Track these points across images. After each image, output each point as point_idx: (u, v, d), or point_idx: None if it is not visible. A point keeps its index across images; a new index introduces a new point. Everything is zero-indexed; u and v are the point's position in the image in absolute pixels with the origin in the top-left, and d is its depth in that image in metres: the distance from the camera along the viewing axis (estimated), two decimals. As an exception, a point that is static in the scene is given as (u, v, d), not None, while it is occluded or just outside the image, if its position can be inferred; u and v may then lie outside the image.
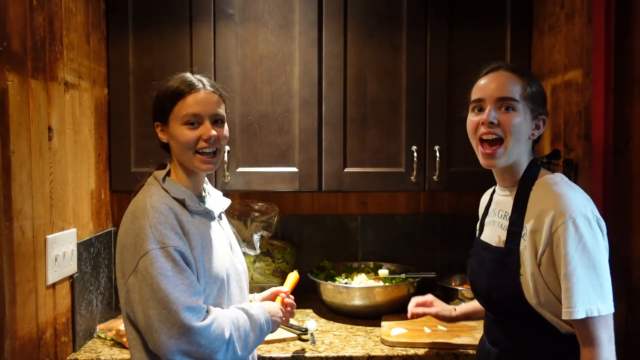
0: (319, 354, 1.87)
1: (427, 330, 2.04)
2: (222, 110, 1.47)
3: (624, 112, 1.65)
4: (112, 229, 2.24)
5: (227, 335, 1.34)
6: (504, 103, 1.39)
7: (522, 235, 1.36)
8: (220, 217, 1.58)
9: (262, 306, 1.52)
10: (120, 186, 2.21)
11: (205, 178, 1.57)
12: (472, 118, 1.45)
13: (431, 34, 2.18)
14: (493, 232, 1.49)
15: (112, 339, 1.99)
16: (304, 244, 2.60)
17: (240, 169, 2.19)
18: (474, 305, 1.79)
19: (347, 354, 1.87)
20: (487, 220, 1.57)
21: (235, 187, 2.19)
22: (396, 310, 2.22)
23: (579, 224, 1.26)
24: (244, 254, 2.16)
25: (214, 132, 1.42)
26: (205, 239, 1.44)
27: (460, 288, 2.30)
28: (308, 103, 2.17)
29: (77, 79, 1.94)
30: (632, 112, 1.61)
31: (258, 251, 2.34)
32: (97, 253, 2.09)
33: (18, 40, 1.57)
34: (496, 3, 2.20)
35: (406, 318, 2.15)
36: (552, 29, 2.04)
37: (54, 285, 1.77)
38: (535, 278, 1.32)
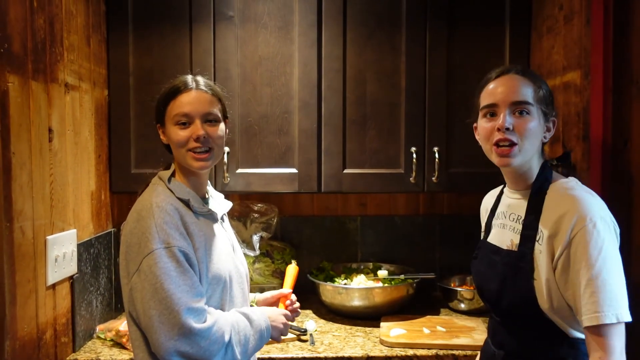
0: (318, 355, 1.88)
1: (426, 331, 2.04)
2: (215, 110, 1.46)
3: (622, 112, 1.65)
4: (112, 230, 2.25)
5: (226, 338, 1.34)
6: (519, 107, 1.36)
7: (537, 239, 1.34)
8: (222, 219, 1.58)
9: (264, 312, 1.51)
10: (120, 187, 2.22)
11: (208, 180, 1.57)
12: (484, 124, 1.41)
13: (430, 35, 2.19)
14: (504, 235, 1.47)
15: (111, 340, 2.00)
16: (304, 245, 2.61)
17: (239, 170, 2.19)
18: None
19: (346, 355, 1.87)
20: (494, 222, 1.55)
21: (235, 188, 2.19)
22: (395, 311, 2.23)
23: (600, 229, 1.24)
24: (244, 254, 2.17)
25: (202, 131, 1.41)
26: (209, 240, 1.44)
27: (459, 289, 2.31)
28: (307, 104, 2.18)
29: (77, 81, 1.95)
30: (630, 113, 1.62)
31: (257, 252, 2.34)
32: (97, 254, 2.09)
33: (19, 42, 1.58)
34: (495, 5, 2.20)
35: (406, 318, 2.16)
36: (551, 30, 2.05)
37: (54, 285, 1.77)
38: (550, 283, 1.30)
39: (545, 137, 1.42)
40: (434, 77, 2.19)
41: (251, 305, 1.67)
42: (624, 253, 1.57)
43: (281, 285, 2.32)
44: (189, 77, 1.47)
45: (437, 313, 2.30)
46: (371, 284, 2.28)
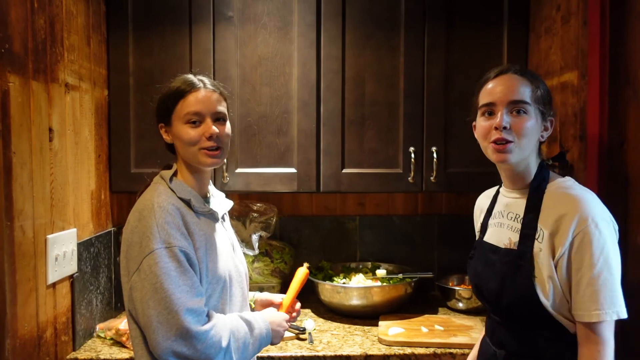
0: (317, 353, 1.89)
1: (424, 329, 2.06)
2: (223, 108, 1.48)
3: (618, 113, 1.66)
4: (112, 229, 2.26)
5: (224, 343, 1.34)
6: (516, 106, 1.38)
7: (537, 237, 1.36)
8: (223, 218, 1.59)
9: (265, 318, 1.51)
10: (120, 187, 2.23)
11: (210, 180, 1.58)
12: (482, 123, 1.43)
13: (429, 36, 2.20)
14: (502, 234, 1.48)
15: (111, 338, 2.01)
16: (303, 244, 2.62)
17: (239, 170, 2.20)
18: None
19: (344, 353, 1.89)
20: (491, 222, 1.56)
21: (234, 187, 2.21)
22: (394, 310, 2.24)
23: (601, 228, 1.27)
24: (243, 254, 2.18)
25: (215, 129, 1.43)
26: (210, 239, 1.45)
27: (457, 288, 2.32)
28: (307, 104, 2.19)
29: (77, 81, 1.96)
30: (626, 114, 1.63)
31: (257, 251, 2.36)
32: (97, 253, 2.10)
33: (19, 43, 1.59)
34: (493, 6, 2.22)
35: (404, 317, 2.17)
36: (549, 31, 2.06)
37: (54, 284, 1.78)
38: (552, 281, 1.32)
39: (542, 137, 1.43)
40: (432, 78, 2.20)
41: (250, 304, 1.69)
42: (620, 252, 1.58)
43: (280, 285, 2.35)
44: (193, 77, 1.48)
45: (436, 312, 2.31)
46: (370, 283, 2.29)
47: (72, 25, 1.92)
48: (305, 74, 2.19)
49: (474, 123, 1.50)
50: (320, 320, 2.24)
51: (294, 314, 1.68)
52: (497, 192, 1.58)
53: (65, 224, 1.87)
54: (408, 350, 1.91)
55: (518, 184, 1.46)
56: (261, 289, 2.25)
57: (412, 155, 2.19)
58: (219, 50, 2.18)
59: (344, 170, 2.22)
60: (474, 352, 1.68)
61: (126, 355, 1.88)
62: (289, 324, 1.60)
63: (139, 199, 1.44)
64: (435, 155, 2.19)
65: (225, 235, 1.54)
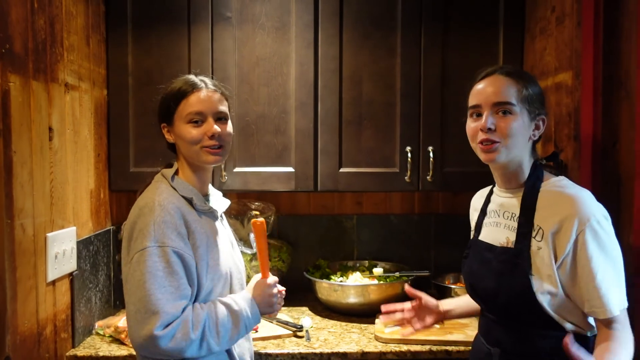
0: (314, 350, 1.91)
1: (420, 327, 2.07)
2: (224, 108, 1.51)
3: (611, 114, 1.68)
4: (111, 227, 2.28)
5: (193, 336, 1.34)
6: (501, 108, 1.39)
7: (534, 236, 1.38)
8: (221, 216, 1.61)
9: (245, 295, 1.48)
10: (119, 186, 2.25)
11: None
12: (470, 124, 1.46)
13: (425, 36, 2.22)
14: (498, 233, 1.49)
15: (110, 336, 2.02)
16: (300, 243, 2.64)
17: (237, 169, 2.22)
18: (458, 304, 1.78)
19: (341, 350, 1.91)
20: (486, 221, 1.57)
21: (233, 186, 2.23)
22: (390, 308, 2.26)
23: (603, 225, 1.31)
24: (241, 252, 2.20)
25: (217, 128, 1.46)
26: (211, 237, 1.47)
27: (453, 286, 2.34)
28: (304, 104, 2.21)
29: (77, 80, 1.98)
30: (619, 114, 1.65)
31: (254, 250, 2.37)
32: (96, 251, 2.12)
33: (20, 43, 1.61)
34: (489, 7, 2.24)
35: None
36: (544, 32, 2.08)
37: (54, 282, 1.80)
38: (551, 279, 1.34)
39: (534, 135, 1.44)
40: (428, 78, 2.22)
41: None
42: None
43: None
44: (195, 77, 1.50)
45: (432, 310, 2.33)
46: (366, 281, 2.31)
47: (71, 25, 1.94)
48: (302, 74, 2.21)
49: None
50: (318, 318, 2.26)
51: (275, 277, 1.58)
52: (491, 192, 1.60)
53: (65, 222, 1.88)
54: (404, 348, 1.93)
55: (512, 183, 1.47)
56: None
57: (409, 155, 2.21)
58: (217, 51, 2.20)
59: (341, 170, 2.24)
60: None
61: (125, 352, 1.90)
62: (279, 289, 1.55)
63: (142, 195, 1.46)
64: (431, 154, 2.21)
65: (224, 233, 1.57)
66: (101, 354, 1.90)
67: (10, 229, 1.55)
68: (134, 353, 1.68)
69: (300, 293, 2.48)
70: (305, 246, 2.64)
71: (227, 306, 1.43)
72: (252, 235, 2.38)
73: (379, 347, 1.94)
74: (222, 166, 2.19)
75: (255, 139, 2.23)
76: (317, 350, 1.91)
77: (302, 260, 2.60)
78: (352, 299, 2.22)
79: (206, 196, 1.56)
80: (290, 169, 2.23)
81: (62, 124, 1.87)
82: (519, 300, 1.38)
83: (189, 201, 1.47)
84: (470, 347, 1.67)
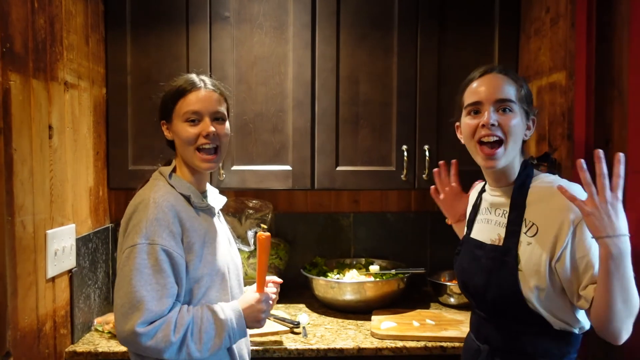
0: (311, 346, 1.93)
1: (415, 324, 2.10)
2: (222, 109, 1.53)
3: (604, 113, 1.71)
4: (110, 225, 2.30)
5: (174, 338, 1.35)
6: (502, 105, 1.41)
7: (524, 232, 1.39)
8: (218, 213, 1.63)
9: (235, 305, 1.47)
10: (117, 184, 2.26)
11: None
12: (468, 121, 1.46)
13: (422, 37, 2.24)
14: (489, 230, 1.51)
15: (109, 332, 2.04)
16: (298, 240, 2.66)
17: (235, 167, 2.25)
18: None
19: (337, 346, 1.93)
20: (478, 218, 1.59)
21: (230, 184, 2.25)
22: (386, 305, 2.28)
23: None
24: (239, 250, 2.23)
25: (212, 128, 1.47)
26: (208, 234, 1.49)
27: (449, 284, 2.36)
28: (301, 103, 2.23)
29: (76, 79, 2.00)
30: (612, 114, 1.67)
31: (252, 247, 2.39)
32: (95, 249, 2.14)
33: (20, 42, 1.63)
34: (485, 7, 2.26)
35: (396, 312, 2.22)
36: (538, 32, 2.11)
37: (53, 279, 1.82)
38: (540, 275, 1.34)
39: (526, 135, 1.47)
40: (424, 78, 2.25)
41: None
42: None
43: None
44: (196, 76, 1.52)
45: (427, 307, 2.36)
46: (363, 278, 2.33)
47: (71, 24, 1.95)
48: (300, 74, 2.23)
49: (457, 124, 1.54)
50: (315, 314, 2.28)
51: (273, 289, 1.61)
52: (483, 189, 1.62)
53: (64, 219, 1.90)
54: (400, 344, 1.95)
55: (502, 182, 1.49)
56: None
57: (405, 154, 2.23)
58: (215, 50, 2.22)
59: (338, 168, 2.26)
60: None
61: (124, 349, 1.92)
62: (271, 298, 1.55)
63: (139, 192, 1.49)
64: (427, 153, 2.23)
65: (222, 229, 1.59)
66: (100, 349, 1.92)
67: (11, 225, 1.57)
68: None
69: (297, 290, 2.50)
70: (303, 244, 2.66)
71: (214, 314, 1.42)
72: (249, 233, 2.41)
73: (375, 343, 1.96)
74: (220, 164, 2.20)
75: (253, 137, 2.25)
76: (314, 346, 1.93)
77: (299, 257, 2.63)
78: (349, 296, 2.25)
79: (203, 193, 1.58)
80: (288, 168, 2.25)
81: (62, 122, 1.89)
82: (506, 298, 1.40)
83: (187, 198, 1.48)
84: (465, 343, 1.69)
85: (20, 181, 1.62)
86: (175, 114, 1.49)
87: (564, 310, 1.37)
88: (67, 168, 1.93)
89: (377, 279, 2.30)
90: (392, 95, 2.26)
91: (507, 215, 1.46)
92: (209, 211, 1.55)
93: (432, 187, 1.90)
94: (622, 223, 1.24)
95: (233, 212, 2.50)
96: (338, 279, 2.35)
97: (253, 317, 1.49)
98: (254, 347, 1.91)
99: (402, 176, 2.24)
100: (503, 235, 1.45)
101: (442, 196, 1.87)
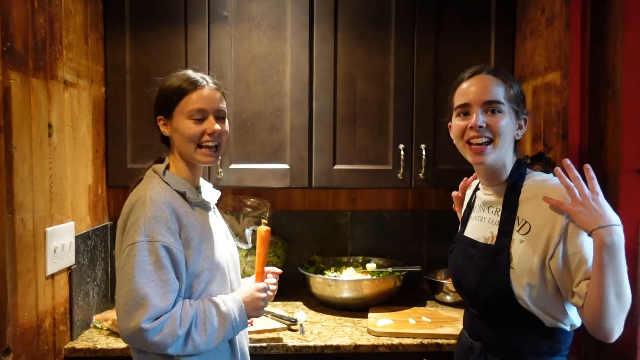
0: (308, 343, 1.95)
1: (411, 321, 2.12)
2: (224, 107, 1.55)
3: (598, 113, 1.73)
4: (109, 223, 2.31)
5: (181, 331, 1.37)
6: (491, 106, 1.42)
7: (517, 229, 1.40)
8: (214, 207, 1.65)
9: (235, 297, 1.51)
10: (116, 182, 2.28)
11: None
12: (458, 123, 1.48)
13: (418, 36, 2.26)
14: (483, 229, 1.53)
15: (108, 329, 2.06)
16: (295, 239, 2.68)
17: (233, 166, 2.26)
18: None
19: (334, 343, 1.95)
20: (472, 215, 1.61)
21: (228, 183, 2.26)
22: (383, 302, 2.30)
23: None
24: (237, 248, 2.24)
25: (218, 127, 1.50)
26: (205, 229, 1.51)
27: (445, 282, 2.38)
28: (299, 102, 2.25)
29: (75, 78, 2.01)
30: (606, 114, 1.69)
31: (250, 245, 2.41)
32: (94, 246, 2.16)
33: (20, 41, 1.64)
34: (481, 8, 2.28)
35: (393, 310, 2.24)
36: (534, 32, 2.13)
37: (52, 276, 1.84)
38: (532, 273, 1.36)
39: (517, 135, 1.48)
40: (421, 77, 2.26)
41: None
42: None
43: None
44: (197, 75, 1.53)
45: (424, 305, 2.38)
46: (360, 276, 2.35)
47: (70, 23, 1.97)
48: (298, 73, 2.24)
49: (449, 123, 1.55)
50: (312, 312, 2.30)
51: (273, 280, 1.66)
52: (477, 188, 1.63)
53: (64, 217, 1.92)
54: (396, 341, 1.97)
55: (494, 181, 1.50)
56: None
57: (402, 152, 2.25)
58: (214, 49, 2.24)
59: (336, 167, 2.28)
60: None
61: (122, 345, 1.93)
62: (271, 288, 1.60)
63: (134, 190, 1.50)
64: (424, 152, 2.25)
65: (218, 223, 1.61)
66: (99, 346, 1.93)
67: (11, 223, 1.59)
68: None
69: (294, 288, 2.52)
70: (300, 242, 2.68)
71: (216, 306, 1.46)
72: (247, 231, 2.42)
73: (371, 340, 1.98)
74: (218, 163, 2.22)
75: (251, 136, 2.27)
76: (311, 343, 1.95)
77: (296, 255, 2.64)
78: (346, 293, 2.27)
79: (197, 189, 1.60)
80: (286, 166, 2.27)
81: (61, 120, 1.90)
82: (498, 296, 1.41)
83: (182, 195, 1.50)
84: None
85: (20, 179, 1.63)
86: (178, 111, 1.49)
87: (555, 308, 1.39)
88: (66, 166, 1.94)
89: (374, 277, 2.32)
90: (389, 95, 2.28)
91: (499, 213, 1.47)
92: (204, 206, 1.56)
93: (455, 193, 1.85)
94: (611, 214, 1.28)
95: (231, 211, 2.52)
96: (335, 276, 2.37)
97: (253, 306, 1.53)
98: (252, 344, 1.93)
99: (399, 175, 2.26)
100: (496, 233, 1.46)
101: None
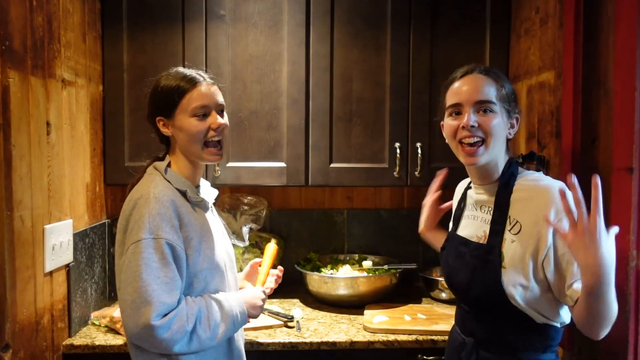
0: (304, 340, 1.97)
1: (407, 318, 2.14)
2: (222, 100, 1.56)
3: (591, 112, 1.75)
4: (106, 221, 2.32)
5: (189, 327, 1.39)
6: (482, 106, 1.43)
7: (509, 229, 1.41)
8: (211, 206, 1.66)
9: (239, 298, 1.55)
10: (114, 180, 2.29)
11: None
12: (450, 122, 1.48)
13: (414, 36, 2.28)
14: (475, 228, 1.54)
15: (106, 326, 2.07)
16: (292, 236, 2.70)
17: (230, 164, 2.28)
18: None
19: (330, 340, 1.97)
20: (464, 214, 1.62)
21: (226, 181, 2.28)
22: (379, 299, 2.32)
23: None
24: (234, 245, 2.26)
25: (222, 121, 1.52)
26: (204, 229, 1.52)
27: (440, 279, 2.40)
28: (296, 101, 2.27)
29: (73, 76, 2.02)
30: (598, 113, 1.71)
31: (247, 243, 2.43)
32: (92, 244, 2.17)
33: (19, 40, 1.65)
34: (477, 7, 2.30)
35: (389, 307, 2.26)
36: (528, 32, 2.15)
37: (51, 273, 1.85)
38: (524, 272, 1.37)
39: (509, 134, 1.49)
40: (417, 76, 2.28)
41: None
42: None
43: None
44: (191, 71, 1.54)
45: (419, 302, 2.40)
46: (356, 273, 2.37)
47: (68, 22, 1.98)
48: (294, 72, 2.26)
49: (441, 123, 1.56)
50: (308, 309, 2.32)
51: (272, 284, 1.78)
52: (469, 187, 1.64)
53: (62, 214, 1.93)
54: (391, 337, 1.99)
55: (486, 180, 1.51)
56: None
57: (398, 151, 2.27)
58: (211, 48, 2.25)
59: (332, 165, 2.30)
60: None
61: (120, 342, 1.95)
62: (267, 291, 1.70)
63: (136, 188, 1.50)
64: (419, 150, 2.27)
65: (215, 222, 1.62)
66: (97, 342, 1.95)
67: (10, 220, 1.60)
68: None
69: (291, 285, 2.53)
70: (297, 240, 2.70)
71: (218, 302, 1.48)
72: (244, 229, 2.44)
73: (367, 337, 2.00)
74: (216, 161, 2.23)
75: (247, 134, 2.28)
76: (307, 340, 1.97)
77: (293, 253, 2.66)
78: (342, 290, 2.28)
79: (197, 187, 1.61)
80: (282, 164, 2.28)
81: (59, 118, 1.91)
82: (490, 295, 1.42)
83: (183, 194, 1.51)
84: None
85: (19, 176, 1.64)
86: (181, 110, 1.49)
87: (546, 306, 1.40)
88: (64, 164, 1.95)
89: (370, 274, 2.34)
90: (385, 93, 2.29)
91: (491, 212, 1.47)
92: (203, 205, 1.57)
93: (435, 196, 1.90)
94: (602, 252, 1.19)
95: (228, 208, 2.53)
96: (332, 274, 2.39)
97: (252, 305, 1.59)
98: (248, 340, 1.94)
99: (394, 173, 2.28)
100: (487, 232, 1.47)
101: (443, 205, 1.89)
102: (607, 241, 1.20)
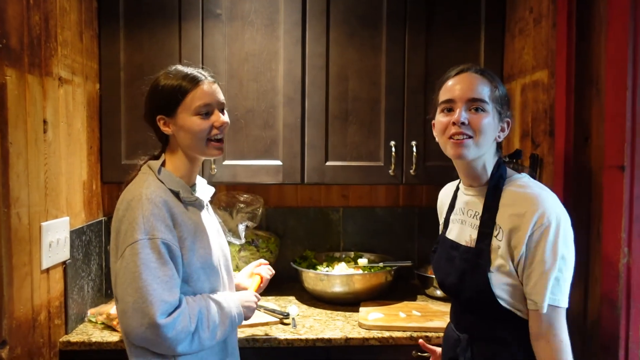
0: (300, 337, 1.98)
1: (402, 315, 2.16)
2: (223, 98, 1.57)
3: (583, 111, 1.77)
4: (103, 218, 2.33)
5: (192, 327, 1.40)
6: (474, 104, 1.43)
7: (495, 235, 1.42)
8: (207, 205, 1.67)
9: (235, 298, 1.58)
10: (110, 178, 2.30)
11: None
12: (441, 119, 1.48)
13: (410, 35, 2.29)
14: (463, 231, 1.54)
15: (102, 323, 2.09)
16: (288, 234, 2.71)
17: (226, 162, 2.29)
18: None
19: (326, 337, 1.98)
20: (453, 217, 1.62)
21: (222, 179, 2.29)
22: (374, 297, 2.34)
23: (558, 225, 1.33)
24: (230, 243, 2.27)
25: (224, 119, 1.53)
26: (198, 228, 1.52)
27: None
28: (292, 100, 2.28)
29: (70, 75, 2.03)
30: (590, 111, 1.73)
31: (243, 240, 2.44)
32: (89, 241, 2.18)
33: (16, 38, 1.66)
34: (471, 7, 2.32)
35: (384, 304, 2.28)
36: (522, 32, 2.17)
37: (48, 270, 1.86)
38: (510, 276, 1.38)
39: (499, 137, 1.48)
40: (412, 75, 2.30)
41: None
42: (583, 241, 1.68)
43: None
44: (191, 69, 1.54)
45: (414, 299, 2.42)
46: (351, 271, 2.39)
47: (65, 21, 1.99)
48: (290, 70, 2.27)
49: (433, 121, 1.55)
50: (304, 306, 2.34)
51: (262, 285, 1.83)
52: (458, 188, 1.64)
53: (59, 212, 1.94)
54: (386, 334, 2.01)
55: (475, 181, 1.51)
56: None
57: (393, 149, 2.29)
58: (207, 47, 2.26)
59: (328, 163, 2.31)
60: None
61: (116, 339, 1.96)
62: (257, 296, 1.72)
63: (128, 188, 1.50)
64: (414, 149, 2.28)
65: (210, 221, 1.63)
66: (94, 339, 1.96)
67: (7, 217, 1.61)
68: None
69: (287, 283, 2.55)
70: (293, 237, 2.71)
71: (217, 303, 1.49)
72: (240, 227, 2.45)
73: (362, 334, 2.01)
74: (212, 159, 2.25)
75: (244, 133, 2.29)
76: (303, 337, 1.99)
77: (289, 251, 2.68)
78: (338, 288, 2.30)
79: (193, 186, 1.61)
80: (278, 162, 2.30)
81: (56, 116, 1.92)
82: (480, 298, 1.43)
83: (176, 194, 1.51)
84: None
85: (15, 174, 1.65)
86: (183, 109, 1.49)
87: None
88: (61, 162, 1.96)
89: (366, 272, 2.35)
90: (380, 92, 2.31)
91: (479, 217, 1.48)
92: (198, 204, 1.57)
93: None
94: None
95: (224, 206, 2.55)
96: (327, 271, 2.40)
97: (247, 307, 1.61)
98: (244, 338, 1.96)
99: (390, 171, 2.30)
100: (474, 237, 1.47)
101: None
102: None
